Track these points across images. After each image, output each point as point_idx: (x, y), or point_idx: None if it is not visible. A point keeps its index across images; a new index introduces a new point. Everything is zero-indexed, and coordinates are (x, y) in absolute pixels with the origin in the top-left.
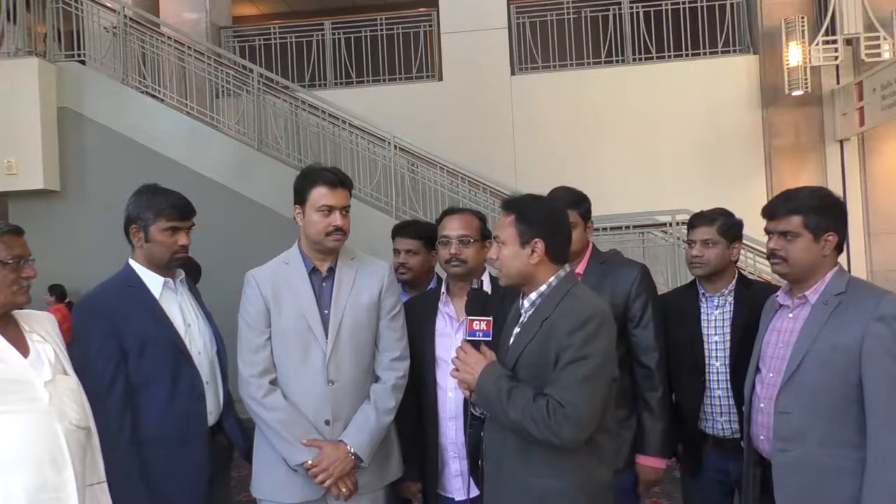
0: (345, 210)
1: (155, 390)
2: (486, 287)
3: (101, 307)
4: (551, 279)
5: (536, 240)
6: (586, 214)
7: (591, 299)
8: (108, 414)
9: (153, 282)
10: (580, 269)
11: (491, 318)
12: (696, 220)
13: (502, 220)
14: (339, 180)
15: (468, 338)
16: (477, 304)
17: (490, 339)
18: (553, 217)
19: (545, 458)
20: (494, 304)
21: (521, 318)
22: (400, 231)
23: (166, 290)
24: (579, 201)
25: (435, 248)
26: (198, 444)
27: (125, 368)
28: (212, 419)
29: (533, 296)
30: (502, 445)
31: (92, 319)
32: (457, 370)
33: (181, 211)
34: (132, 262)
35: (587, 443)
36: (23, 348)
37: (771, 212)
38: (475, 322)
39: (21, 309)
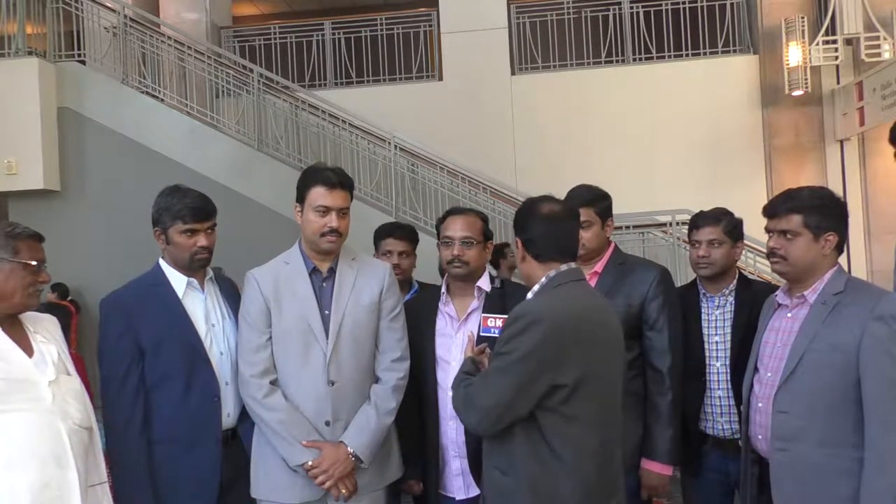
0: (342, 211)
1: (168, 390)
2: (486, 286)
3: (120, 305)
4: (542, 279)
5: (517, 239)
6: (604, 213)
7: (544, 299)
8: (118, 411)
9: (177, 281)
10: (598, 268)
11: (507, 317)
12: (701, 221)
13: None
14: (339, 181)
15: (482, 333)
16: (495, 303)
17: None
18: (523, 214)
19: (498, 450)
20: (494, 304)
21: None
22: (392, 232)
23: (190, 290)
24: (595, 200)
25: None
26: (210, 446)
27: (139, 366)
28: (230, 421)
29: (529, 294)
30: (479, 439)
31: (110, 316)
32: None
33: (196, 213)
34: (160, 262)
35: (543, 445)
36: (27, 348)
37: (772, 210)
38: (489, 319)
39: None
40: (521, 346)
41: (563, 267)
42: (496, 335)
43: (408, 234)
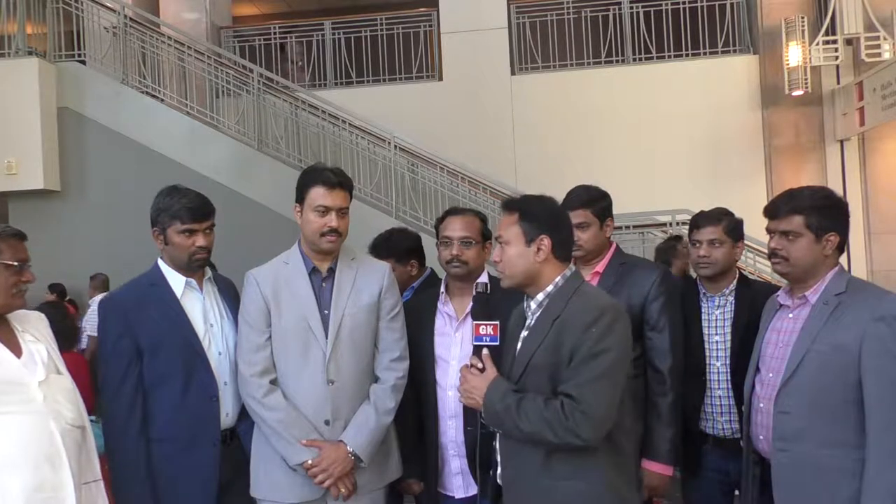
0: (342, 211)
1: (167, 390)
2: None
3: (119, 305)
4: (557, 279)
5: (542, 237)
6: (602, 213)
7: (602, 295)
8: (117, 411)
9: (176, 281)
10: (600, 268)
11: (497, 323)
12: (702, 221)
13: (504, 221)
14: (338, 181)
15: (475, 342)
16: (483, 309)
17: (498, 343)
18: (556, 213)
19: (566, 460)
20: (482, 310)
21: (528, 321)
22: (371, 251)
23: (189, 290)
24: (593, 201)
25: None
26: (208, 446)
27: (138, 367)
28: (229, 421)
29: (540, 297)
30: (521, 454)
31: (109, 317)
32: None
33: (195, 213)
34: (159, 262)
35: (607, 441)
36: (15, 349)
37: (773, 211)
38: (481, 327)
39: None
40: (613, 343)
41: (574, 267)
42: (489, 343)
43: (385, 251)
